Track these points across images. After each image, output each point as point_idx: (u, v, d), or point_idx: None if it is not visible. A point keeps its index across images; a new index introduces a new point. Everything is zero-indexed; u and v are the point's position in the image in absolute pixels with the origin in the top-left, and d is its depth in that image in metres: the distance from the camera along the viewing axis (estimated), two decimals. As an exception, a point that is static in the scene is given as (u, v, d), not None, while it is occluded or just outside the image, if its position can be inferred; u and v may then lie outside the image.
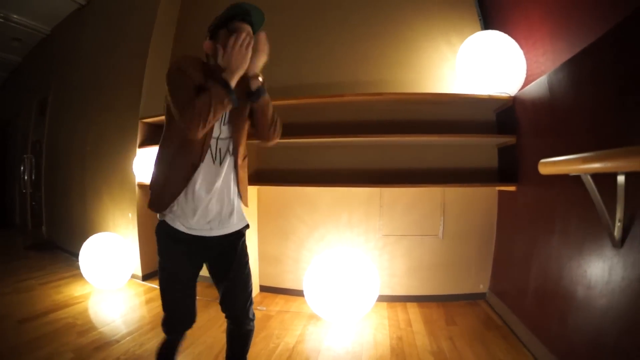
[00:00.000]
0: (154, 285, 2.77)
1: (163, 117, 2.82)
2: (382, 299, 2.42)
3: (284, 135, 3.02)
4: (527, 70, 2.06)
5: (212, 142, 1.16)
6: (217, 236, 1.20)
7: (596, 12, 1.48)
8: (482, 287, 2.48)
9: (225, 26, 1.13)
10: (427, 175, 2.50)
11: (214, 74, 1.08)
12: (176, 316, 1.21)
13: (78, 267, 3.06)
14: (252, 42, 1.06)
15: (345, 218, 2.60)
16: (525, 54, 2.06)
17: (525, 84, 2.06)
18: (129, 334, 1.94)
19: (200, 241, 1.17)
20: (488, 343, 1.86)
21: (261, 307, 2.40)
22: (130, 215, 2.90)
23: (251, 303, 1.28)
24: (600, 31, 1.40)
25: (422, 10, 2.64)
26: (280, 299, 2.57)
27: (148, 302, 2.47)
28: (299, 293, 2.60)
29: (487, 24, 2.52)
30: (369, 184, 2.43)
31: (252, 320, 1.29)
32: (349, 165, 2.60)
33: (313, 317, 2.23)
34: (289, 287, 2.68)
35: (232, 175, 1.22)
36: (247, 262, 1.29)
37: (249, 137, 1.31)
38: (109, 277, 2.59)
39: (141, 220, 2.89)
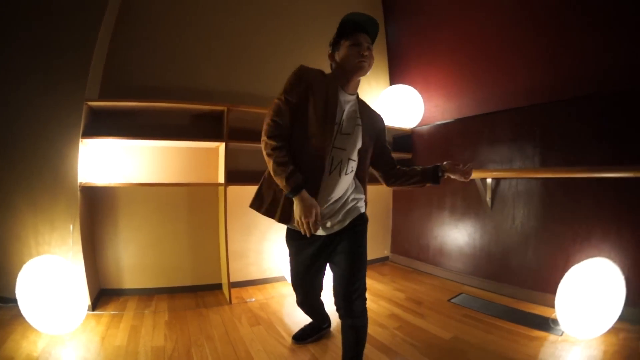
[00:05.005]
0: (113, 312, 2.19)
1: (123, 103, 2.38)
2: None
3: (253, 140, 3.06)
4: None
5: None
6: None
7: (476, 98, 2.92)
8: (386, 252, 3.68)
9: (346, 37, 1.25)
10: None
11: (329, 88, 1.29)
12: None
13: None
14: (314, 226, 1.21)
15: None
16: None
17: (421, 122, 3.40)
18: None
19: None
20: (414, 278, 3.03)
21: (250, 299, 2.54)
22: (71, 227, 2.12)
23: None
24: (480, 109, 2.84)
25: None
26: (252, 290, 2.75)
27: (132, 332, 1.89)
28: (263, 281, 2.92)
29: (393, 77, 3.78)
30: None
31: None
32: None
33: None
34: (255, 278, 2.88)
35: None
36: None
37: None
38: (65, 317, 1.82)
39: (85, 232, 2.21)
